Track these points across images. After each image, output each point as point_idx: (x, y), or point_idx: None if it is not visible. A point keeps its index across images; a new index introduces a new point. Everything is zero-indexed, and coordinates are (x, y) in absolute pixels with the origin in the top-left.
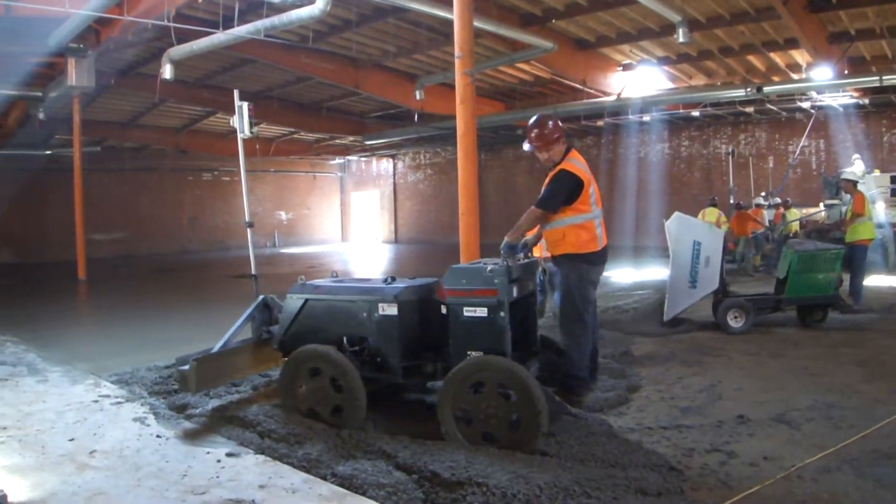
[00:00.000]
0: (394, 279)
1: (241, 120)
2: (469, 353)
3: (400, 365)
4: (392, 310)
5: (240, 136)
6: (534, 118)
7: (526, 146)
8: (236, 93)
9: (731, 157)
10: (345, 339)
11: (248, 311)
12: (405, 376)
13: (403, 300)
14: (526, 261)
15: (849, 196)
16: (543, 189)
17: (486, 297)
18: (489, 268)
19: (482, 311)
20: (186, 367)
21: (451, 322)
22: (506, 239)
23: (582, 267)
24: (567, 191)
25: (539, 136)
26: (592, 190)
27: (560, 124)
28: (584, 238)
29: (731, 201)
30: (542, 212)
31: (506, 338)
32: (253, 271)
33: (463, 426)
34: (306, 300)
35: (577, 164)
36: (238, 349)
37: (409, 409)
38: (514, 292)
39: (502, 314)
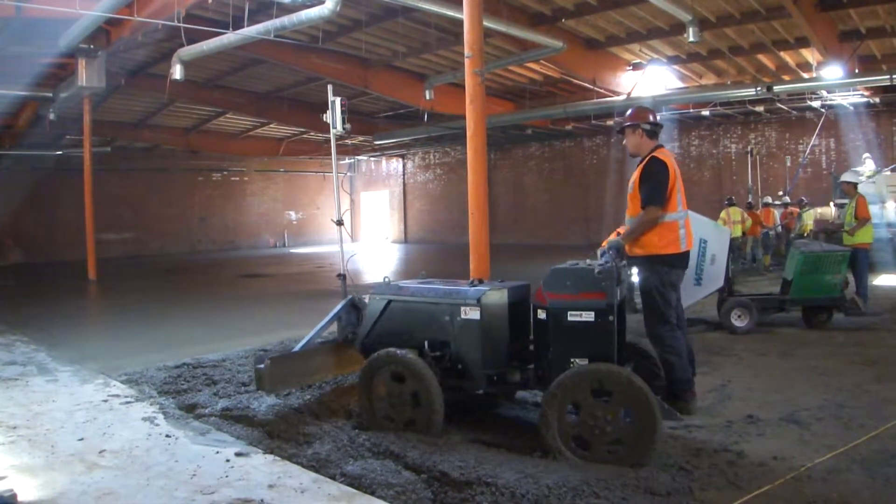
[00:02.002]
0: (481, 281)
1: (333, 115)
2: (572, 360)
3: (482, 373)
4: (475, 314)
5: (332, 131)
6: (634, 105)
7: (620, 126)
8: (329, 87)
9: (749, 156)
10: (426, 343)
11: (335, 311)
12: (488, 385)
13: (487, 304)
14: (625, 263)
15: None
16: (640, 187)
17: (593, 299)
18: (597, 269)
19: (588, 316)
20: (262, 365)
21: (553, 327)
22: (617, 240)
23: (662, 270)
24: (664, 180)
25: (634, 113)
26: (679, 188)
27: (656, 117)
28: (668, 239)
29: (749, 200)
30: (656, 207)
31: (613, 343)
32: (342, 270)
33: (568, 436)
34: (389, 301)
35: (666, 156)
36: (319, 350)
37: (493, 419)
38: (619, 295)
39: (611, 318)
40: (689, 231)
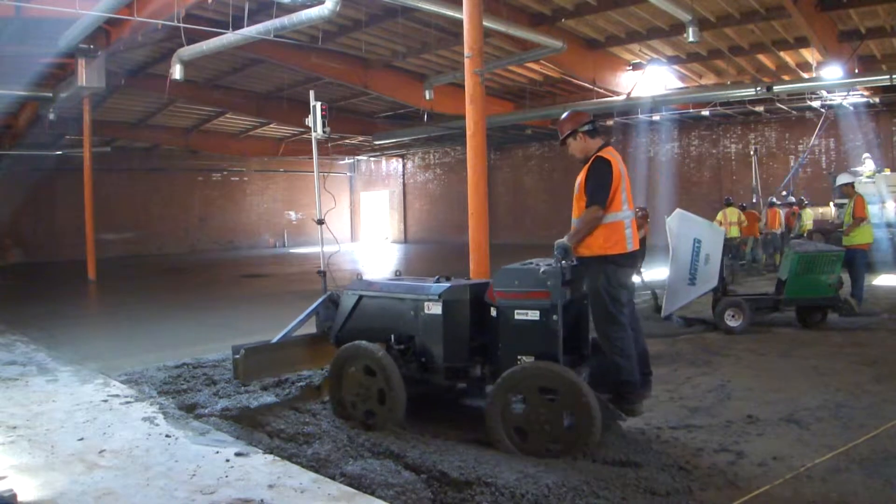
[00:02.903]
0: (447, 279)
1: (315, 119)
2: (519, 357)
3: (443, 366)
4: (437, 309)
5: (314, 135)
6: (565, 113)
7: (560, 139)
8: (312, 93)
9: (755, 156)
10: (392, 336)
11: (313, 306)
12: (448, 378)
13: (449, 299)
14: (575, 263)
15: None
16: (585, 185)
17: (538, 299)
18: (542, 269)
19: (534, 314)
20: (238, 355)
21: (501, 325)
22: (562, 241)
23: (608, 268)
24: (608, 180)
25: (567, 120)
26: (624, 187)
27: (591, 116)
28: (614, 239)
29: (754, 200)
30: (597, 207)
31: (558, 342)
32: (322, 267)
33: (511, 431)
34: (360, 297)
35: (612, 155)
36: (294, 343)
37: (457, 413)
38: (567, 295)
39: (555, 317)
40: (635, 231)
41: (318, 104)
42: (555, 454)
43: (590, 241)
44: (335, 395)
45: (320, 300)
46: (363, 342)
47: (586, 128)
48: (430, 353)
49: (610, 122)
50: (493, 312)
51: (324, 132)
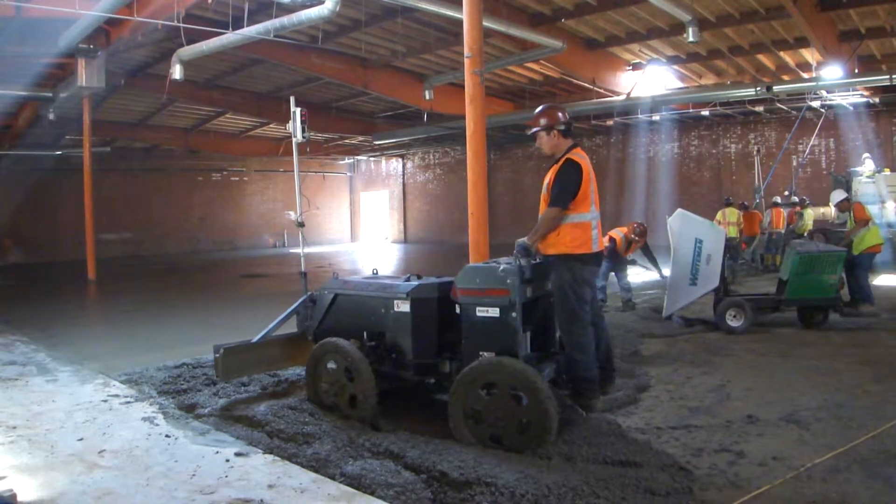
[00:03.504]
0: (419, 277)
1: (295, 125)
2: (481, 353)
3: (413, 361)
4: (405, 306)
5: (294, 140)
6: (542, 106)
7: (531, 130)
8: (293, 99)
9: (757, 156)
10: (365, 333)
11: (294, 306)
12: (417, 373)
13: (417, 297)
14: (539, 261)
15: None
16: (552, 186)
17: (498, 296)
18: (501, 267)
19: (494, 311)
20: (217, 354)
21: (464, 321)
22: (522, 240)
23: (575, 266)
24: (575, 183)
25: (544, 114)
26: (592, 189)
27: (567, 116)
28: (581, 239)
29: (757, 200)
30: (559, 209)
31: (517, 339)
32: (302, 268)
33: (472, 425)
34: (336, 295)
35: (583, 158)
36: (273, 342)
37: (432, 409)
38: (529, 293)
39: (514, 315)
40: (601, 232)
41: (298, 110)
42: (514, 448)
43: (557, 240)
44: (312, 388)
45: (300, 301)
46: (338, 339)
47: (562, 127)
48: (400, 349)
49: (610, 122)
50: (458, 309)
51: (303, 137)
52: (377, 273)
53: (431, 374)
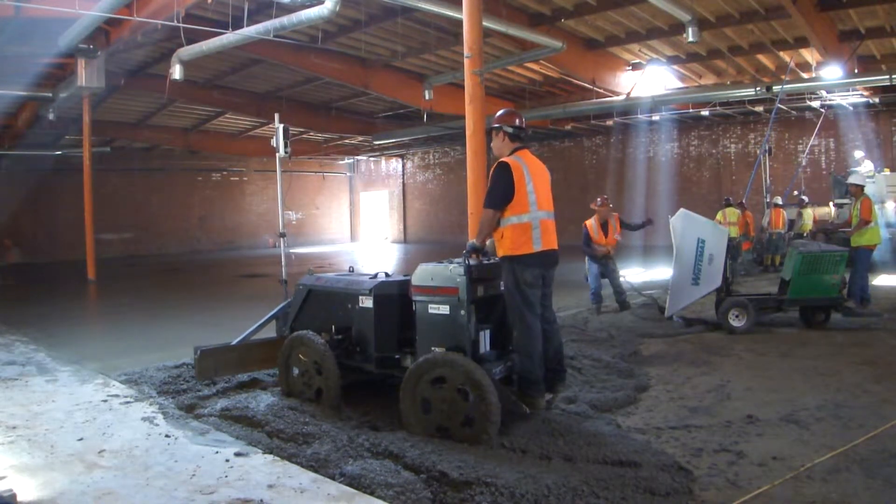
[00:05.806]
0: (386, 274)
1: (278, 140)
2: (433, 348)
3: (375, 355)
4: (368, 302)
5: (277, 155)
6: (503, 110)
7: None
8: (276, 116)
9: (767, 155)
10: (333, 327)
11: (273, 311)
12: (379, 367)
13: (379, 294)
14: (493, 261)
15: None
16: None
17: (447, 295)
18: (451, 266)
19: (445, 309)
20: (196, 356)
21: (419, 318)
22: (472, 241)
23: (517, 268)
24: (503, 184)
25: (497, 117)
26: (531, 189)
27: (521, 121)
28: (520, 240)
29: (767, 201)
30: (492, 210)
31: (466, 335)
32: (283, 276)
33: (421, 415)
34: (309, 290)
35: (517, 160)
36: (251, 345)
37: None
38: (480, 291)
39: (462, 312)
40: (549, 231)
41: (282, 126)
42: (458, 440)
43: (501, 242)
44: (284, 378)
45: (280, 307)
46: (306, 332)
47: (509, 130)
48: (364, 343)
49: (609, 122)
50: (414, 306)
51: (286, 152)
52: (353, 270)
53: (393, 368)
